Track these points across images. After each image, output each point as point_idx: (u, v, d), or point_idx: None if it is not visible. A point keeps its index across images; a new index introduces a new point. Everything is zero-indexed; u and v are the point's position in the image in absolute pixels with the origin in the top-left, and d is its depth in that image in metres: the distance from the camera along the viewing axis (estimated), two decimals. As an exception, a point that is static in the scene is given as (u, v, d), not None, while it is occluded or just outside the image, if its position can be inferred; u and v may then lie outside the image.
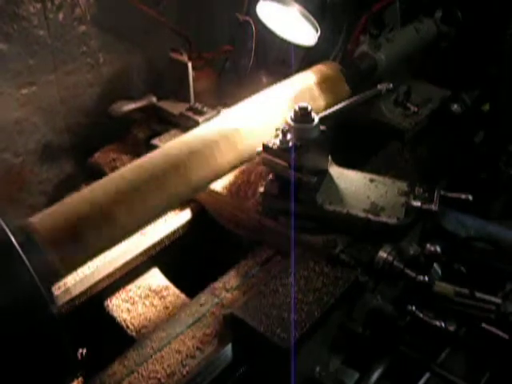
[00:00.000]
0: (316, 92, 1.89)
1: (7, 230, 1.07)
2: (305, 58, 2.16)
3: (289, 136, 1.45)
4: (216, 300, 1.49)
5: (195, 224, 1.79)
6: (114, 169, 1.91)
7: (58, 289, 1.50)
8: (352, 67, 1.98)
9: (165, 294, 1.64)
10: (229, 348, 1.37)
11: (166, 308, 1.60)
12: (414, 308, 1.51)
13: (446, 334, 1.51)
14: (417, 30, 2.17)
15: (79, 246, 1.31)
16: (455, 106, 2.16)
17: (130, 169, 1.49)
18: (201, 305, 1.48)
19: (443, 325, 1.49)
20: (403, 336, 1.65)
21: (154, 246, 1.69)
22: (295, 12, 1.74)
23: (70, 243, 1.28)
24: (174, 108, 2.02)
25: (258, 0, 1.87)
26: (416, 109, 2.12)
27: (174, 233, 1.74)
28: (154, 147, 1.81)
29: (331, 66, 2.02)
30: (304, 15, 1.73)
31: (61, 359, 1.18)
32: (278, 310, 1.33)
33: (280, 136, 1.45)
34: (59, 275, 1.33)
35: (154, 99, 2.06)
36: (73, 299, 1.52)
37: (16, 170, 2.04)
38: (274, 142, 1.46)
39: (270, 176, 1.57)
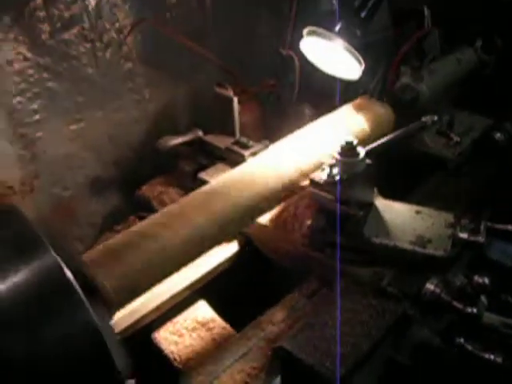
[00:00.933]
0: (361, 125, 1.91)
1: (67, 271, 1.08)
2: (345, 89, 2.17)
3: (335, 170, 1.47)
4: (262, 334, 1.50)
5: (242, 257, 1.81)
6: (161, 201, 1.97)
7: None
8: (394, 99, 1.99)
9: (211, 326, 1.65)
10: (276, 382, 1.38)
11: (213, 340, 1.61)
12: (462, 340, 1.50)
13: (493, 365, 1.49)
14: (458, 60, 2.18)
15: (132, 282, 1.34)
16: (498, 135, 2.14)
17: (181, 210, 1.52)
18: (248, 339, 1.49)
19: (492, 357, 1.47)
20: (450, 368, 1.63)
21: (200, 278, 1.71)
22: (339, 47, 1.77)
23: (124, 280, 1.31)
24: (220, 142, 2.06)
25: (300, 34, 1.90)
26: (459, 139, 2.10)
27: (220, 265, 1.76)
28: (202, 181, 1.86)
29: (375, 98, 2.04)
30: (348, 50, 1.75)
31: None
32: (327, 343, 1.33)
33: (327, 170, 1.48)
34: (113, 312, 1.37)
35: (200, 133, 2.10)
36: (121, 332, 1.55)
37: (65, 203, 2.10)
38: (321, 176, 1.49)
39: (317, 209, 1.59)
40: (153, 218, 1.49)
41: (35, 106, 1.90)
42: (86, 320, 1.07)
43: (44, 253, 1.09)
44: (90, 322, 1.07)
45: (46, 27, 1.83)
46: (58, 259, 1.09)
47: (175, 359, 1.56)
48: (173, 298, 1.65)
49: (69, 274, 1.09)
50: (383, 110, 1.99)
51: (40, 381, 1.02)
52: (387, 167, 1.94)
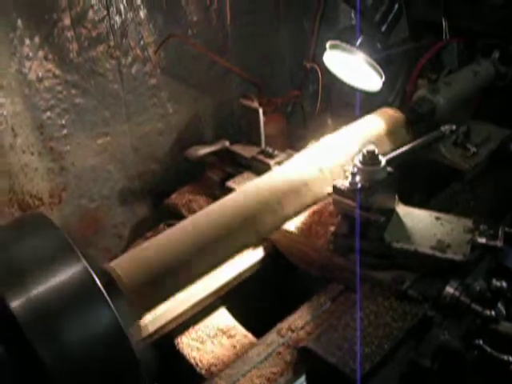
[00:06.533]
0: (382, 135, 1.95)
1: (93, 275, 1.10)
2: (365, 100, 2.20)
3: (357, 178, 1.51)
4: (282, 340, 1.52)
5: (267, 263, 1.82)
6: (190, 209, 2.03)
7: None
8: (412, 111, 2.02)
9: (232, 333, 1.68)
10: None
11: (234, 347, 1.63)
12: (481, 342, 1.52)
13: (510, 373, 1.51)
14: (475, 71, 2.19)
15: (156, 290, 1.39)
16: (515, 145, 2.16)
17: (204, 219, 1.59)
18: (267, 345, 1.51)
19: (510, 359, 1.49)
20: (470, 373, 1.65)
21: (222, 287, 1.73)
22: (361, 60, 1.81)
23: (148, 288, 1.37)
24: (246, 151, 2.11)
25: (321, 48, 1.95)
26: (475, 149, 2.11)
27: (241, 274, 1.77)
28: (229, 189, 1.92)
29: (394, 109, 2.08)
30: (369, 63, 1.80)
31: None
32: (350, 343, 1.36)
33: (349, 178, 1.52)
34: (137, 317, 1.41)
35: (227, 143, 2.16)
36: (145, 338, 1.56)
37: (91, 214, 2.16)
38: (344, 184, 1.53)
39: (340, 216, 1.62)
40: (178, 233, 1.56)
41: (63, 121, 1.97)
42: (113, 325, 1.09)
43: (75, 261, 1.12)
44: (117, 327, 1.09)
45: (73, 46, 1.92)
46: (89, 267, 1.11)
47: (197, 365, 1.59)
48: (195, 305, 1.67)
49: (98, 281, 1.11)
50: (402, 121, 2.03)
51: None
52: (404, 177, 1.97)
